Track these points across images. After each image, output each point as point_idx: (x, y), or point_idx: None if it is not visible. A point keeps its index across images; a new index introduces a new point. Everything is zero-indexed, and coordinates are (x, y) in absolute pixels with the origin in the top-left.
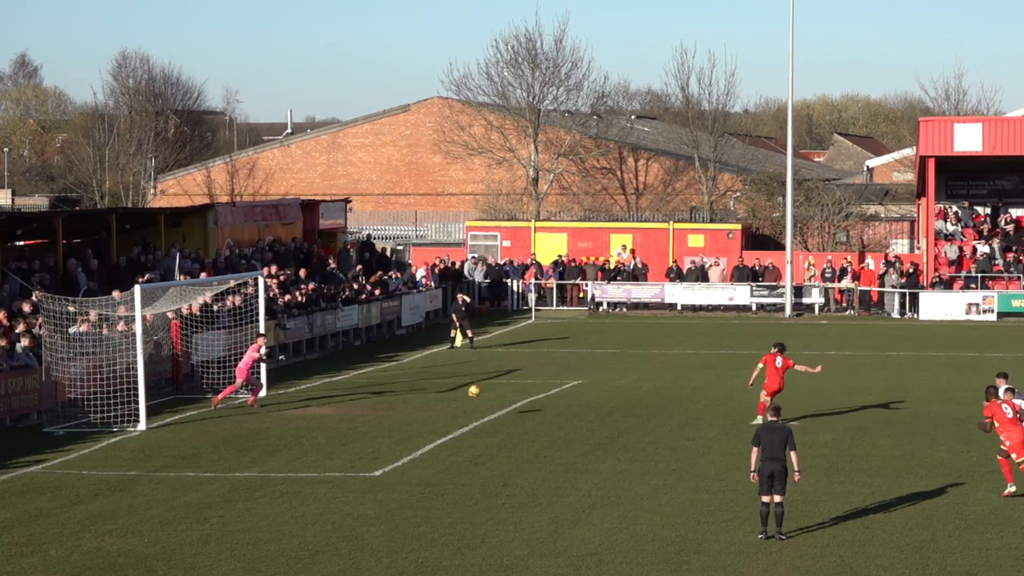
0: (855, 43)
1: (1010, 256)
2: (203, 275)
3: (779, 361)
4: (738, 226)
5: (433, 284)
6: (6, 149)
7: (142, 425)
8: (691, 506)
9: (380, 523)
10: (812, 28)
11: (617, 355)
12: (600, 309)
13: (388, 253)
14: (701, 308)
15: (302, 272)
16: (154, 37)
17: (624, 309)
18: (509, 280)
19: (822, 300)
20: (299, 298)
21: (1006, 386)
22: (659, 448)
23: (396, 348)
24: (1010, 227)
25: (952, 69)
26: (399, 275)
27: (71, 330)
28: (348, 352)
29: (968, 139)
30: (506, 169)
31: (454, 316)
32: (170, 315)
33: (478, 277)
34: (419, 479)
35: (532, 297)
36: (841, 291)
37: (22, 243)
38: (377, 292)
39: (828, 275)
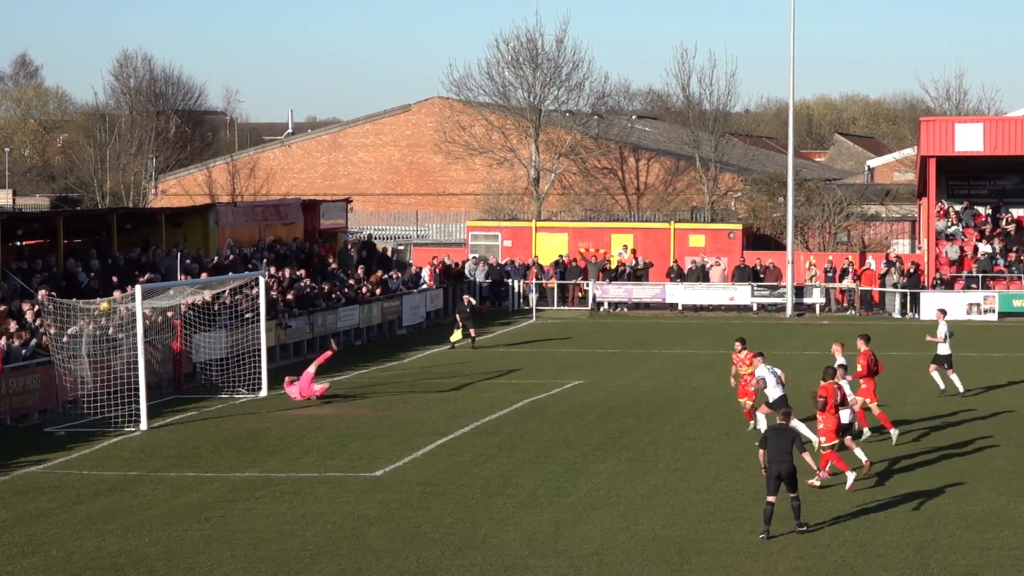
0: (855, 43)
1: (1011, 256)
2: (203, 275)
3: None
4: (739, 226)
5: (435, 284)
6: (7, 149)
7: (143, 425)
8: (692, 506)
9: (381, 523)
10: (812, 28)
11: (618, 355)
12: (601, 309)
13: (389, 253)
14: (702, 308)
15: (301, 272)
16: (155, 37)
17: (625, 309)
18: (510, 280)
19: (823, 300)
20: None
21: (840, 360)
22: (660, 448)
23: (397, 348)
24: (1011, 227)
25: (953, 69)
26: (399, 275)
27: (71, 330)
28: (349, 352)
29: (969, 139)
30: (507, 169)
31: (457, 316)
32: (171, 314)
33: (479, 277)
34: (420, 479)
35: (533, 297)
36: (842, 291)
37: (23, 243)
38: (378, 292)
39: (829, 275)
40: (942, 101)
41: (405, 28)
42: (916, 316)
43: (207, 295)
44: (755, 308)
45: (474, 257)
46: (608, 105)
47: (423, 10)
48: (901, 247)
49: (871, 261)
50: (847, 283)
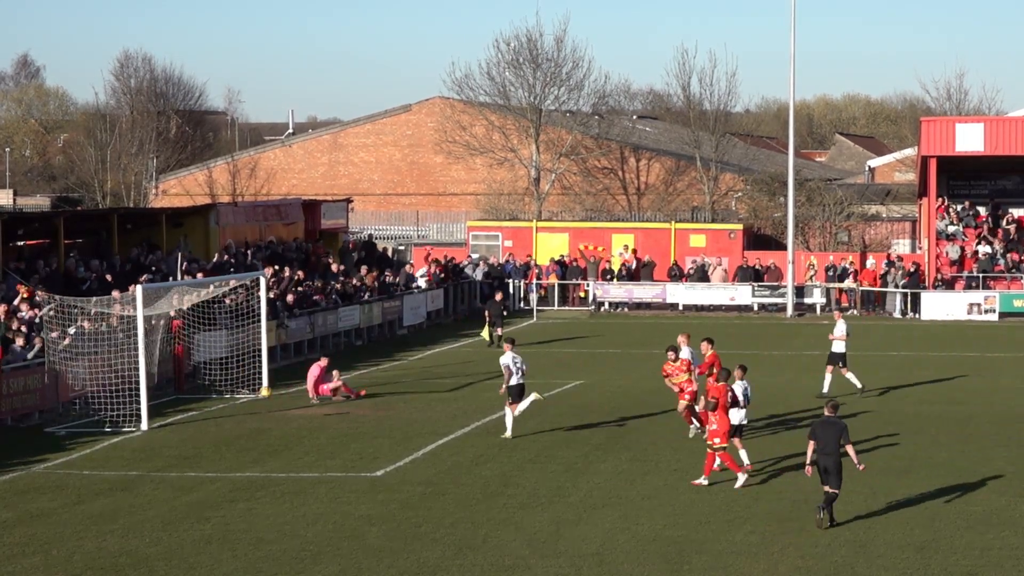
0: (856, 43)
1: (1012, 256)
2: (199, 275)
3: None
4: (740, 226)
5: (434, 283)
6: (8, 149)
7: (143, 425)
8: (692, 506)
9: (381, 523)
10: (812, 28)
11: (618, 355)
12: (601, 309)
13: (390, 253)
14: (702, 308)
15: (300, 274)
16: (156, 37)
17: (625, 309)
18: (510, 280)
19: (823, 300)
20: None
21: (685, 352)
22: (660, 448)
23: (398, 348)
24: (1011, 227)
25: (953, 69)
26: (392, 275)
27: (72, 330)
28: (349, 352)
29: (969, 139)
30: (507, 169)
31: (488, 312)
32: (172, 314)
33: (479, 277)
34: (420, 479)
35: (534, 297)
36: (843, 291)
37: (24, 243)
38: (377, 291)
39: (830, 275)
40: (943, 101)
41: (406, 28)
42: (917, 316)
43: (207, 295)
44: (756, 308)
45: (472, 257)
46: (608, 105)
47: (424, 10)
48: (902, 247)
49: (872, 261)
50: (848, 283)
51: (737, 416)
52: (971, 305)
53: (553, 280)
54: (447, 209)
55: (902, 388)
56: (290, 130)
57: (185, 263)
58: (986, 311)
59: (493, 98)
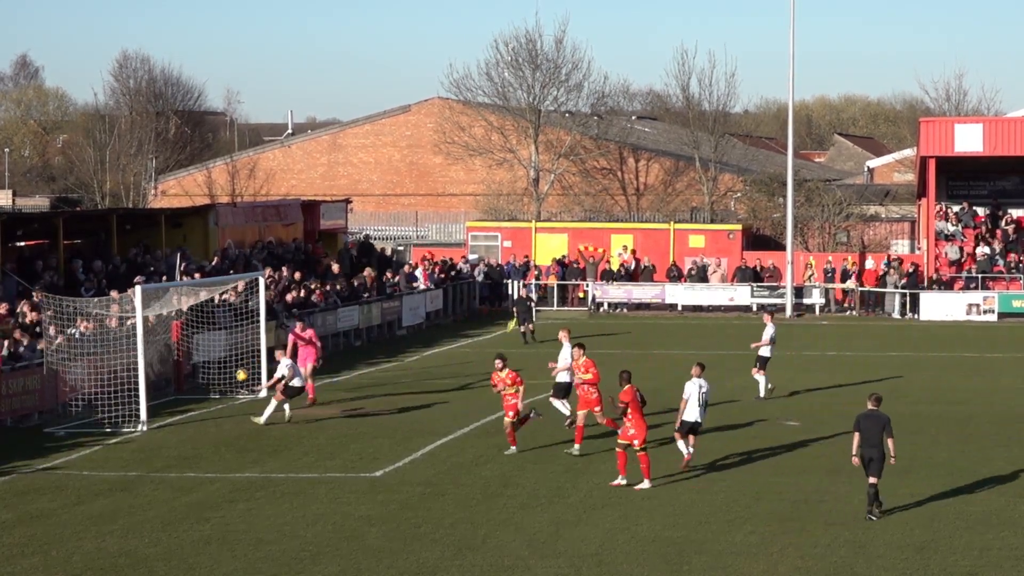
0: (854, 43)
1: (1011, 257)
2: (198, 276)
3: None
4: (739, 226)
5: (432, 284)
6: (7, 150)
7: (143, 426)
8: (692, 507)
9: (381, 524)
10: (812, 28)
11: (617, 356)
12: (600, 310)
13: (389, 253)
14: (702, 308)
15: (297, 275)
16: (155, 38)
17: (624, 310)
18: (509, 281)
19: (823, 301)
20: (291, 298)
21: (567, 347)
22: (659, 449)
23: (397, 348)
24: (1010, 228)
25: (952, 69)
26: (392, 276)
27: (71, 330)
28: (349, 352)
29: (969, 140)
30: (507, 170)
31: (515, 308)
32: (171, 315)
33: (479, 277)
34: (420, 480)
35: (533, 297)
36: (843, 291)
37: (23, 243)
38: (376, 292)
39: (829, 275)
40: (942, 102)
41: (405, 29)
42: (916, 317)
43: (206, 295)
44: (755, 308)
45: (469, 258)
46: (608, 106)
47: (423, 11)
48: (901, 247)
49: (870, 261)
50: (849, 284)
51: (693, 414)
52: (970, 306)
53: (552, 280)
54: (446, 210)
55: (901, 388)
56: (289, 131)
57: (184, 264)
58: (985, 311)
59: (492, 99)
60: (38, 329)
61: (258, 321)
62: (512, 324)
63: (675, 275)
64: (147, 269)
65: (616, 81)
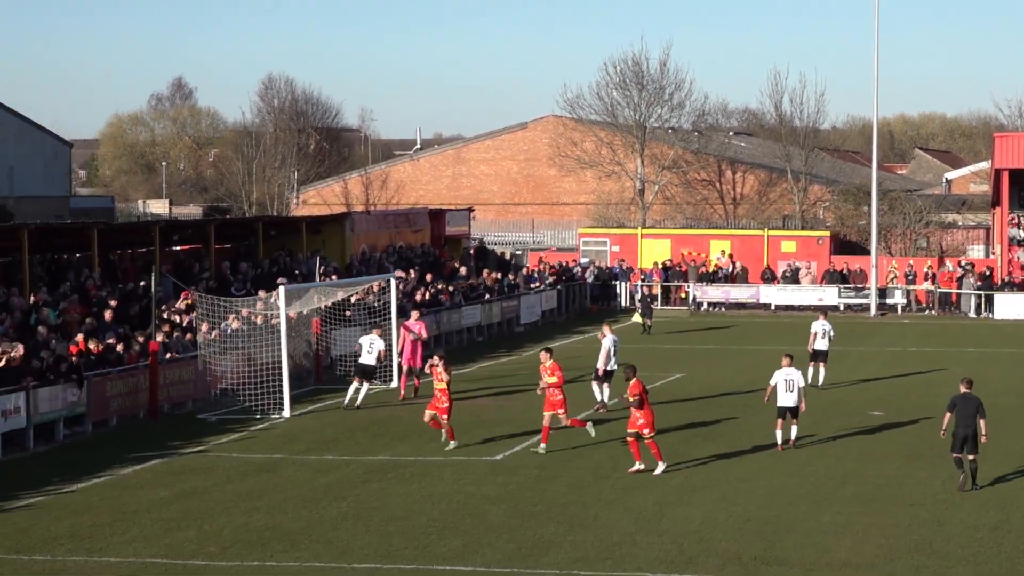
0: (932, 64)
1: None
2: (335, 277)
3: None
4: (827, 233)
5: (543, 285)
6: (165, 163)
7: (286, 412)
8: (784, 489)
9: (501, 503)
10: (894, 50)
11: (716, 351)
12: (701, 309)
13: (508, 257)
14: (793, 308)
15: (427, 276)
16: (297, 61)
17: (723, 309)
18: (617, 282)
19: (904, 301)
20: (419, 297)
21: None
22: (754, 436)
23: (515, 343)
24: None
25: None
26: (514, 277)
27: (223, 326)
28: (471, 347)
29: None
30: (615, 181)
31: (638, 304)
32: (311, 313)
33: (588, 279)
34: (536, 463)
35: (638, 298)
36: (925, 292)
37: (179, 248)
38: (496, 292)
39: (910, 278)
40: (1014, 118)
41: (522, 52)
42: (990, 316)
43: (343, 295)
44: (842, 308)
45: (582, 262)
46: (707, 122)
47: (539, 36)
48: (976, 253)
49: (949, 265)
50: (927, 285)
51: (784, 400)
52: None
53: (656, 282)
54: (560, 217)
55: (976, 381)
56: (418, 146)
57: (323, 266)
58: None
59: (602, 116)
60: (192, 325)
61: (390, 318)
62: (636, 317)
63: (768, 277)
64: (290, 271)
65: (715, 100)
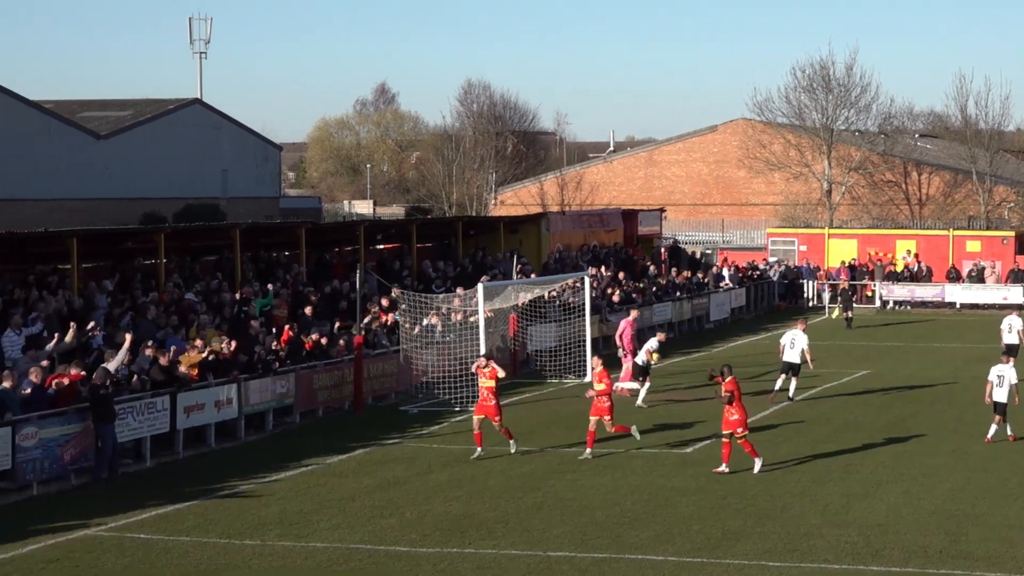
0: None
1: None
2: (532, 275)
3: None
4: (1012, 233)
5: (734, 284)
6: (369, 165)
7: None
8: (969, 484)
9: (692, 494)
10: None
11: (901, 348)
12: (887, 307)
13: (698, 256)
14: (978, 307)
15: (620, 274)
16: (495, 67)
17: (908, 307)
18: (804, 281)
19: None
20: (616, 296)
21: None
22: (940, 431)
23: (706, 340)
24: None
25: None
26: (703, 276)
27: (424, 322)
28: (661, 344)
29: None
30: (802, 182)
31: (840, 299)
32: (508, 309)
33: (775, 277)
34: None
35: (826, 296)
36: None
37: (382, 247)
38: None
39: None
40: None
41: (712, 58)
42: None
43: (539, 292)
44: None
45: (772, 261)
46: (893, 125)
47: (729, 41)
48: None
49: None
50: None
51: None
52: None
53: (845, 284)
54: (749, 217)
55: None
56: (611, 148)
57: (520, 264)
58: None
59: (790, 119)
60: (395, 321)
61: (583, 315)
62: (837, 312)
63: (954, 276)
64: (488, 269)
65: (901, 103)
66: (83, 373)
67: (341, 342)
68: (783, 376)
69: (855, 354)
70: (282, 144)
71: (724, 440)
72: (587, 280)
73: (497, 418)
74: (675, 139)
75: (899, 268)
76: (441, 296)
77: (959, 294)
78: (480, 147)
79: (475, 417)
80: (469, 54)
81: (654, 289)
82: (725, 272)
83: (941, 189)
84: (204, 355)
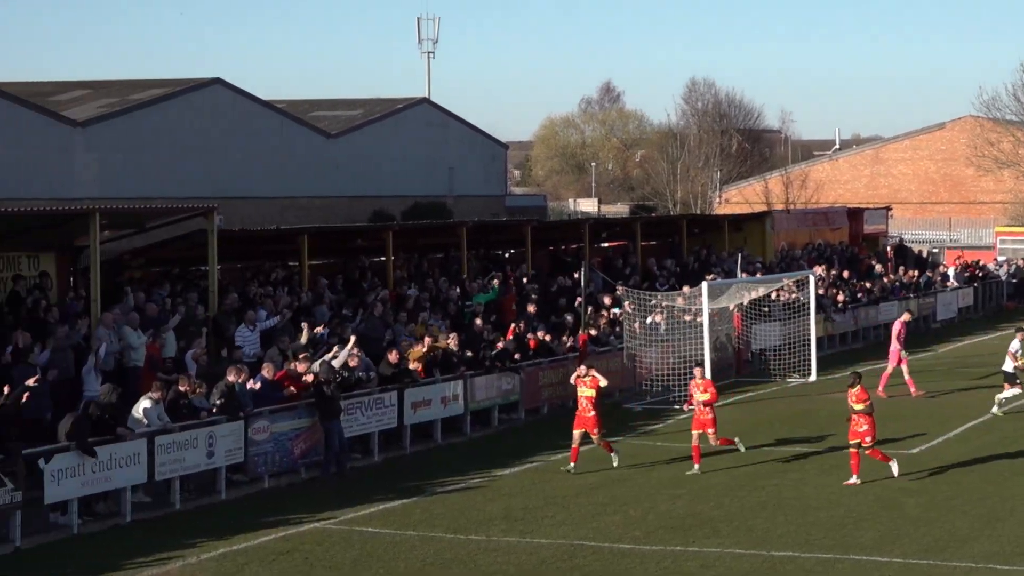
0: None
1: None
2: (757, 274)
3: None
4: None
5: (958, 283)
6: (594, 164)
7: None
8: None
9: (917, 495)
10: None
11: None
12: None
13: (924, 255)
14: None
15: (845, 273)
16: (721, 65)
17: None
18: None
19: None
20: (842, 297)
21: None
22: None
23: (932, 340)
24: None
25: None
26: (930, 274)
27: (648, 320)
28: (888, 343)
29: None
30: None
31: None
32: (732, 308)
33: (1003, 276)
34: (953, 457)
35: None
36: None
37: (607, 245)
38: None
39: None
40: None
41: (938, 54)
42: None
43: (763, 291)
44: None
45: (1001, 260)
46: None
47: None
48: None
49: None
50: None
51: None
52: None
53: None
54: (976, 216)
55: None
56: (836, 146)
57: (744, 263)
58: None
59: (1019, 117)
60: (620, 318)
61: (808, 314)
62: None
63: None
64: (712, 267)
65: None
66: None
67: (566, 339)
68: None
69: None
70: (508, 142)
71: (852, 451)
72: (812, 279)
73: (596, 430)
74: (902, 136)
75: None
76: (665, 294)
77: None
78: (705, 145)
79: (575, 432)
80: (694, 52)
81: (879, 288)
82: (950, 271)
83: None
84: (426, 350)
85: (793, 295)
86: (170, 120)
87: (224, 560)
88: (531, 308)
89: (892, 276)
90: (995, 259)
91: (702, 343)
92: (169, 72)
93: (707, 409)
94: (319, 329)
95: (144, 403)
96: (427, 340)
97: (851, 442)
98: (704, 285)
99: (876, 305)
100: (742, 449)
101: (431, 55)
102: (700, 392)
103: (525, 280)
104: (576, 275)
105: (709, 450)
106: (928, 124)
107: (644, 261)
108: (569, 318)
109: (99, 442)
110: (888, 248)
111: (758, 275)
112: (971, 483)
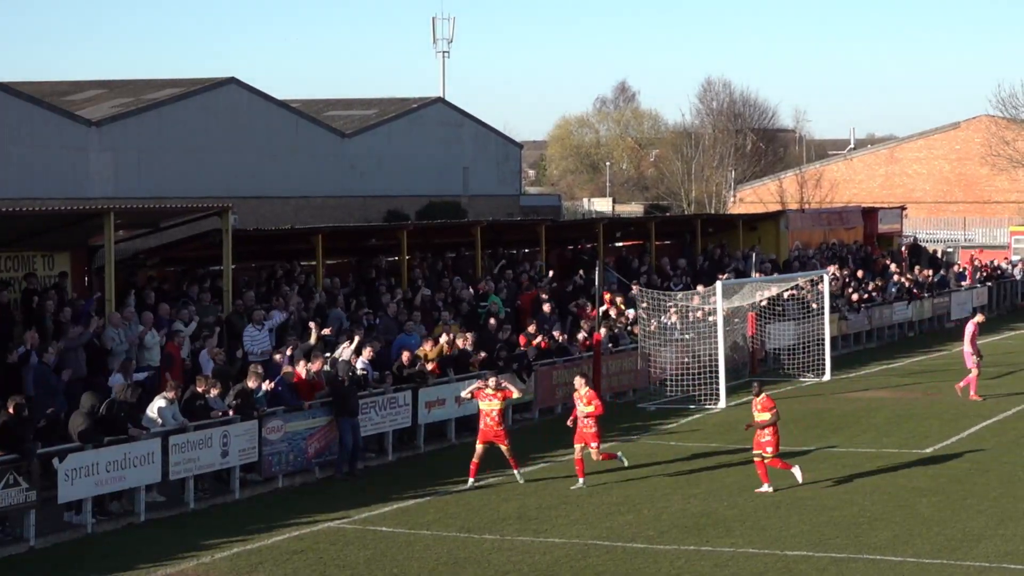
0: None
1: None
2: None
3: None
4: None
5: (974, 282)
6: (608, 163)
7: (722, 404)
8: None
9: (931, 495)
10: None
11: None
12: None
13: (939, 255)
14: None
15: (859, 273)
16: (735, 64)
17: None
18: None
19: None
20: (856, 297)
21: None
22: None
23: (946, 339)
24: None
25: None
26: (944, 273)
27: (662, 319)
28: (902, 342)
29: None
30: None
31: None
32: (746, 307)
33: (1017, 276)
34: (966, 456)
35: None
36: None
37: (621, 244)
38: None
39: None
40: None
41: (955, 52)
42: None
43: (777, 290)
44: None
45: (1014, 261)
46: None
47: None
48: None
49: None
50: None
51: None
52: None
53: None
54: (991, 215)
55: None
56: (851, 145)
57: (758, 262)
58: None
59: None
60: (634, 318)
61: (822, 314)
62: None
63: None
64: (726, 267)
65: None
66: (325, 367)
67: (581, 338)
68: None
69: None
70: (523, 142)
71: (756, 460)
72: (826, 278)
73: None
74: (917, 136)
75: None
76: (679, 293)
77: None
78: (719, 145)
79: (758, 454)
80: (709, 52)
81: (894, 287)
82: (965, 271)
83: None
84: (439, 348)
85: (804, 292)
86: (185, 120)
87: (238, 559)
88: (547, 308)
89: (907, 275)
90: (1007, 258)
91: (717, 342)
92: (184, 72)
93: (590, 422)
94: (327, 332)
95: (159, 402)
96: (443, 339)
97: (755, 452)
98: (718, 284)
99: (890, 304)
100: (625, 463)
101: (446, 55)
102: (584, 404)
103: (539, 279)
104: (590, 274)
105: (723, 448)
106: (943, 124)
107: (658, 260)
108: (584, 322)
109: (113, 441)
110: (903, 248)
111: (772, 274)
112: (985, 483)
